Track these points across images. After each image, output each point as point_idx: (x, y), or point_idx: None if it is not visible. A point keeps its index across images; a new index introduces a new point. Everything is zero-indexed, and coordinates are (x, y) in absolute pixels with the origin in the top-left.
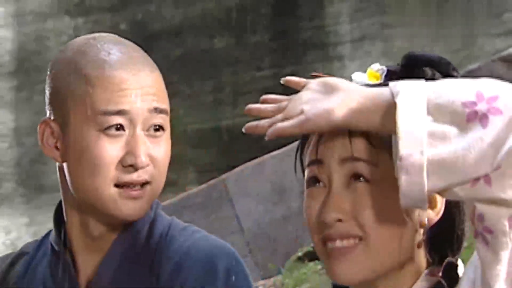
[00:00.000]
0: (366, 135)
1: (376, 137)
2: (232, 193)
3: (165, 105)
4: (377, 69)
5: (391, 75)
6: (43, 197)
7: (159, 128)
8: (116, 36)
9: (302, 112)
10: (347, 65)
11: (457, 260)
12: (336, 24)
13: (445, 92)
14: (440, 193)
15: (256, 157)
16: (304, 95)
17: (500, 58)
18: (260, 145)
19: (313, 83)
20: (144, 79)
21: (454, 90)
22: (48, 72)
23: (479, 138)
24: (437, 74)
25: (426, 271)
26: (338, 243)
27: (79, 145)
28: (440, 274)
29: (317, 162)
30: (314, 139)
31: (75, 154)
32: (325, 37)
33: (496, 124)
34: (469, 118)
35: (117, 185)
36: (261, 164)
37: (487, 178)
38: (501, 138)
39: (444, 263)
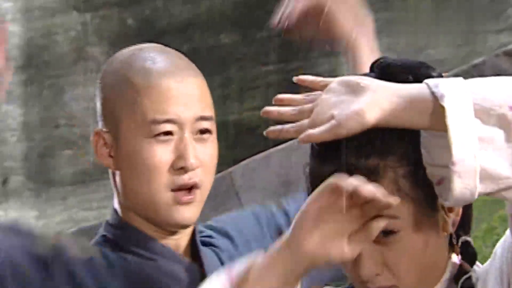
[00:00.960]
0: (389, 182)
1: (396, 189)
2: (238, 186)
3: (210, 112)
4: None
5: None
6: (51, 190)
7: (205, 131)
8: (161, 46)
9: (332, 117)
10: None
11: (469, 236)
12: None
13: (490, 94)
14: (488, 194)
15: (262, 151)
16: (330, 98)
17: (504, 52)
18: (266, 139)
19: (335, 83)
20: (189, 87)
21: (500, 93)
22: (98, 85)
23: None
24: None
25: (449, 262)
26: None
27: (131, 152)
28: (459, 255)
29: None
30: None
31: (128, 161)
32: None
33: None
34: None
35: (172, 190)
36: (267, 157)
37: None
38: None
39: (460, 243)
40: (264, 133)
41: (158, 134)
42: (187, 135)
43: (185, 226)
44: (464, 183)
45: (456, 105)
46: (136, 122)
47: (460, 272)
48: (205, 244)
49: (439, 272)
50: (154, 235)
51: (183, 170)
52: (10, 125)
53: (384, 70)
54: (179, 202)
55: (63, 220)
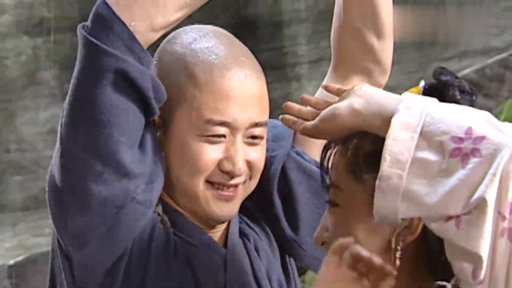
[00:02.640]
0: (339, 162)
1: (343, 162)
2: None
3: (265, 117)
4: (421, 85)
5: (428, 91)
6: (1, 216)
7: (257, 137)
8: (223, 32)
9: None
10: (305, 85)
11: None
12: (294, 46)
13: (441, 120)
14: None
15: None
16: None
17: None
18: None
19: (345, 92)
20: (250, 88)
21: (450, 120)
22: (155, 61)
23: (456, 177)
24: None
25: None
26: None
27: (180, 144)
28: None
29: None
30: None
31: (176, 152)
32: (283, 58)
33: (474, 167)
34: (453, 154)
35: (209, 182)
36: None
37: (458, 220)
38: (476, 181)
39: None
40: (280, 117)
41: (211, 136)
42: (239, 139)
43: (223, 221)
44: (387, 200)
45: (402, 123)
46: (190, 117)
47: None
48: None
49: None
50: (195, 222)
51: (230, 174)
52: None
53: (438, 78)
54: (220, 198)
55: (13, 246)
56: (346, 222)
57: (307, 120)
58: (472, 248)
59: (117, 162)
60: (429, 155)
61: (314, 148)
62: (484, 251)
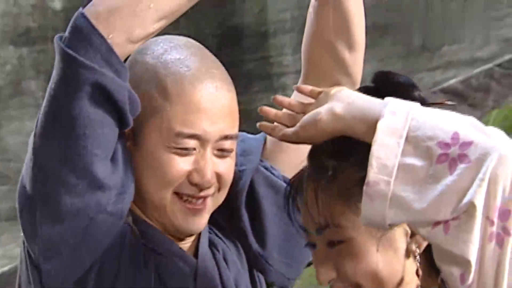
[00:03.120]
0: (335, 192)
1: (343, 193)
2: None
3: (235, 130)
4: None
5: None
6: None
7: (227, 150)
8: (194, 43)
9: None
10: (290, 95)
11: None
12: (279, 56)
13: (426, 125)
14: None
15: None
16: (315, 107)
17: (440, 90)
18: None
19: (322, 94)
20: (221, 100)
21: (435, 125)
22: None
23: (444, 183)
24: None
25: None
26: None
27: (149, 155)
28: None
29: (305, 233)
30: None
31: (145, 163)
32: (269, 68)
33: (462, 172)
34: (440, 159)
35: (183, 199)
36: None
37: (446, 225)
38: (464, 188)
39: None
40: (258, 124)
41: (181, 148)
42: (209, 151)
43: (191, 234)
44: (374, 206)
45: (388, 128)
46: (160, 128)
47: None
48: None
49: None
50: (165, 233)
51: (199, 186)
52: None
53: (379, 82)
54: (187, 211)
55: None
56: (357, 252)
57: (285, 125)
58: (461, 253)
59: (91, 175)
60: (416, 161)
61: (282, 163)
62: (472, 255)
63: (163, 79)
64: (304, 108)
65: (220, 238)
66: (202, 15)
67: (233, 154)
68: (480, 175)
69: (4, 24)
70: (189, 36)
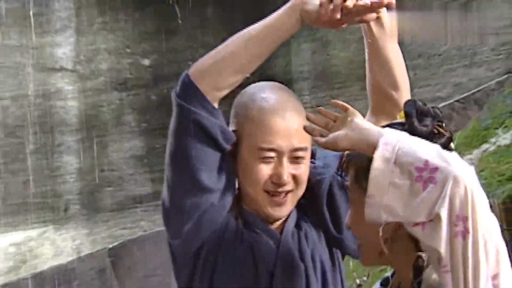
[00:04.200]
0: (351, 172)
1: (352, 172)
2: None
3: (304, 144)
4: (401, 115)
5: (407, 117)
6: (98, 215)
7: (299, 157)
8: (278, 85)
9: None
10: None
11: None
12: (299, 96)
13: (408, 153)
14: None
15: None
16: (338, 123)
17: None
18: None
19: (344, 114)
20: (290, 124)
21: (414, 153)
22: (233, 109)
23: (420, 197)
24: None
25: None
26: None
27: (244, 164)
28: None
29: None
30: None
31: (242, 168)
32: None
33: (431, 190)
34: (417, 179)
35: (266, 191)
36: None
37: (423, 225)
38: (433, 200)
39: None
40: (303, 127)
41: (263, 158)
42: (285, 160)
43: (277, 219)
44: (373, 212)
45: (382, 156)
46: (249, 145)
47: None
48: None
49: (384, 261)
50: (261, 219)
51: (277, 185)
52: (70, 170)
53: (409, 109)
54: (273, 203)
55: (106, 236)
56: (357, 213)
57: (321, 125)
58: (434, 245)
59: (198, 182)
60: (401, 181)
61: None
62: (442, 247)
63: (250, 112)
64: (334, 117)
65: (306, 223)
66: None
67: (305, 161)
68: (443, 194)
69: (110, 76)
70: (240, 83)
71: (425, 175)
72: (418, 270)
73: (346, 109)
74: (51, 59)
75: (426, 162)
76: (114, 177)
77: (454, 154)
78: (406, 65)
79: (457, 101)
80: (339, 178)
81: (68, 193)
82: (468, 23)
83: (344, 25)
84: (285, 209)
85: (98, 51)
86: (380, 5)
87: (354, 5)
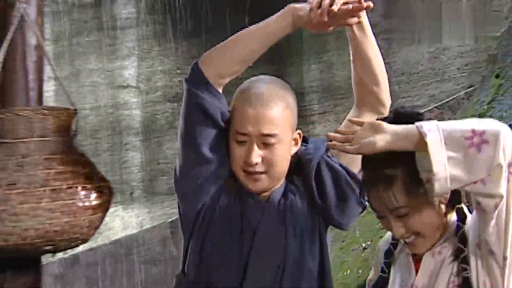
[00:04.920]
0: (397, 192)
1: (402, 191)
2: None
3: (274, 131)
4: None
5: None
6: (155, 198)
7: (268, 143)
8: (269, 77)
9: (359, 142)
10: (316, 127)
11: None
12: (310, 105)
13: (453, 130)
14: (456, 189)
15: None
16: (362, 134)
17: None
18: None
19: (366, 125)
20: (262, 112)
21: (458, 129)
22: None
23: (477, 159)
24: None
25: (450, 220)
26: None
27: (229, 143)
28: (456, 216)
29: (376, 212)
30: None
31: (228, 146)
32: (304, 111)
33: (486, 149)
34: (470, 146)
35: (243, 170)
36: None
37: (483, 180)
38: (490, 157)
39: (456, 209)
40: (326, 144)
41: (237, 140)
42: (254, 144)
43: (257, 193)
44: (441, 185)
45: (433, 139)
46: (231, 128)
47: (459, 228)
48: (284, 193)
49: (442, 231)
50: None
51: (248, 164)
52: (134, 163)
53: (396, 115)
54: (250, 179)
55: (162, 214)
56: (421, 219)
57: (341, 141)
58: (496, 191)
59: (200, 154)
60: (456, 153)
61: (339, 159)
62: (502, 190)
63: (236, 101)
64: (352, 132)
65: (293, 195)
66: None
67: (277, 146)
68: (497, 147)
69: (164, 91)
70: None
71: (475, 141)
72: (465, 215)
73: (361, 124)
74: (120, 78)
75: (473, 130)
76: (168, 168)
77: (490, 119)
78: (393, 81)
79: (436, 107)
80: (326, 158)
81: (133, 181)
82: (440, 48)
83: (330, 28)
84: (260, 184)
85: (155, 72)
86: (360, 9)
87: (339, 9)
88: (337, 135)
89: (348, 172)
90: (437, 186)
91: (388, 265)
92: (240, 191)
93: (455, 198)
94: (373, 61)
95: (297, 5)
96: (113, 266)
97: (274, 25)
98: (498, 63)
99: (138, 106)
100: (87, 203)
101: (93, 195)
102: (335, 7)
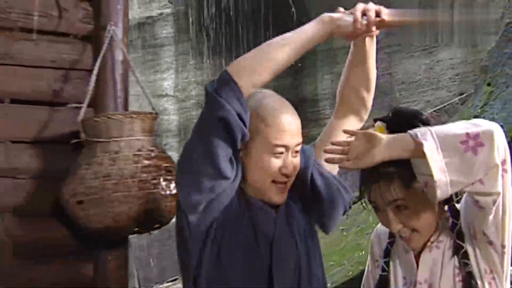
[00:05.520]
0: (396, 186)
1: (400, 185)
2: None
3: (301, 139)
4: (380, 125)
5: (388, 126)
6: None
7: (298, 151)
8: (274, 93)
9: (357, 157)
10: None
11: (455, 202)
12: (323, 110)
13: (447, 135)
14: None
15: None
16: (357, 144)
17: None
18: None
19: (360, 135)
20: (295, 123)
21: (453, 134)
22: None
23: (474, 162)
24: (417, 122)
25: (443, 216)
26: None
27: (257, 160)
28: (448, 212)
29: (375, 205)
30: (368, 190)
31: (254, 163)
32: (317, 115)
33: (482, 152)
34: (466, 150)
35: (273, 181)
36: None
37: (481, 180)
38: (487, 158)
39: (448, 207)
40: (324, 158)
41: (275, 153)
42: (290, 154)
43: (280, 205)
44: (442, 190)
45: (429, 147)
46: (262, 142)
47: (454, 224)
48: (287, 203)
49: (436, 227)
50: (261, 202)
51: (286, 175)
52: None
53: (395, 114)
54: (278, 191)
55: None
56: (417, 213)
57: (338, 153)
58: (494, 190)
59: (219, 169)
60: (453, 158)
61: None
62: (499, 188)
63: (261, 112)
64: (346, 144)
65: (293, 202)
66: (285, 87)
67: (299, 153)
68: (493, 148)
69: (198, 99)
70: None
71: (471, 144)
72: (457, 213)
73: (354, 134)
74: (160, 88)
75: (467, 134)
76: None
77: (474, 119)
78: (394, 89)
79: (434, 111)
80: (316, 165)
81: None
82: (434, 60)
83: (363, 35)
84: (285, 195)
85: (190, 83)
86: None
87: (381, 20)
88: (334, 147)
89: (335, 177)
90: (439, 193)
91: (387, 264)
92: (251, 203)
93: (447, 199)
94: (372, 69)
95: (334, 15)
96: (159, 249)
97: (311, 34)
98: (490, 73)
99: (175, 112)
100: (168, 192)
101: (172, 185)
102: (385, 17)
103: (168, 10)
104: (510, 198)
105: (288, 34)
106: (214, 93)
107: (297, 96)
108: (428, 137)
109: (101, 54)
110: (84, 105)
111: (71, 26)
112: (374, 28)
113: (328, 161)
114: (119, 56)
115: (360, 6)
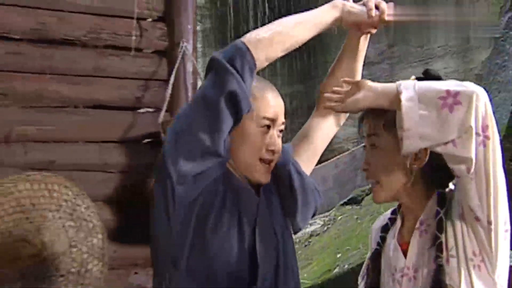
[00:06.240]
0: (378, 121)
1: (381, 122)
2: None
3: (284, 121)
4: (412, 78)
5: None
6: None
7: (282, 131)
8: (264, 79)
9: (344, 101)
10: None
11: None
12: None
13: (428, 90)
14: (427, 148)
15: None
16: (349, 91)
17: None
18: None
19: (355, 83)
20: (281, 102)
21: (434, 89)
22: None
23: (448, 119)
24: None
25: (435, 194)
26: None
27: (245, 134)
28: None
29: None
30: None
31: (241, 138)
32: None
33: (458, 110)
34: (443, 106)
35: (262, 161)
36: None
37: (454, 142)
38: (462, 118)
39: (438, 193)
40: (326, 95)
41: (263, 126)
42: (275, 132)
43: (260, 185)
44: (410, 143)
45: (407, 97)
46: (250, 117)
47: (438, 213)
48: (266, 187)
49: (423, 202)
50: (243, 182)
51: (272, 152)
52: None
53: (425, 73)
54: (264, 169)
55: None
56: (382, 157)
57: (336, 98)
58: (467, 154)
59: (217, 144)
60: (429, 112)
61: (301, 158)
62: (472, 154)
63: (254, 91)
64: (345, 92)
65: (271, 193)
66: (297, 99)
67: (281, 138)
68: (470, 109)
69: None
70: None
71: (449, 101)
72: (444, 200)
73: (353, 83)
74: None
75: (448, 91)
76: None
77: (468, 82)
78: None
79: None
80: (294, 163)
81: None
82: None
83: (368, 29)
84: (269, 175)
85: None
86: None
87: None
88: (334, 95)
89: (310, 178)
90: (408, 143)
91: (383, 239)
92: (235, 184)
93: (437, 179)
94: (359, 67)
95: (347, 2)
96: None
97: (324, 17)
98: (484, 81)
99: None
100: None
101: None
102: (391, 13)
103: None
104: (495, 168)
105: (303, 14)
106: (227, 64)
107: (308, 102)
108: (410, 88)
109: (176, 66)
110: (163, 110)
111: (150, 43)
112: (386, 17)
113: (327, 107)
114: (190, 68)
115: None
